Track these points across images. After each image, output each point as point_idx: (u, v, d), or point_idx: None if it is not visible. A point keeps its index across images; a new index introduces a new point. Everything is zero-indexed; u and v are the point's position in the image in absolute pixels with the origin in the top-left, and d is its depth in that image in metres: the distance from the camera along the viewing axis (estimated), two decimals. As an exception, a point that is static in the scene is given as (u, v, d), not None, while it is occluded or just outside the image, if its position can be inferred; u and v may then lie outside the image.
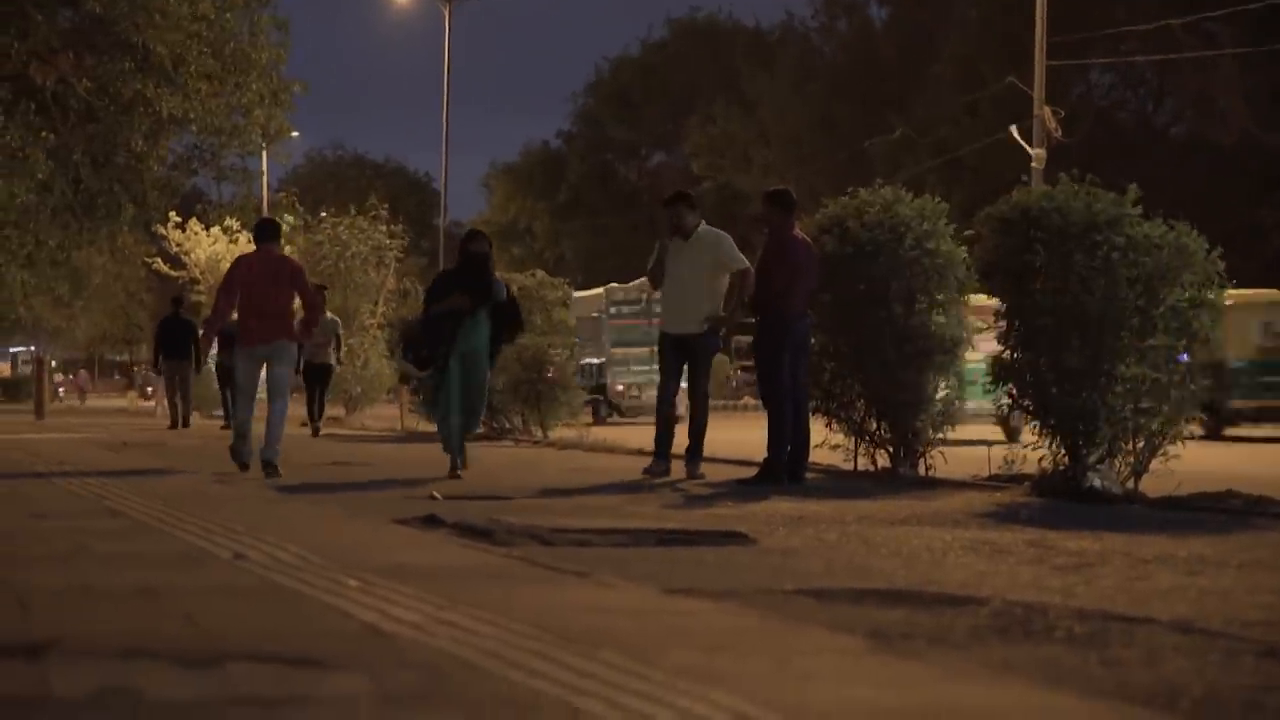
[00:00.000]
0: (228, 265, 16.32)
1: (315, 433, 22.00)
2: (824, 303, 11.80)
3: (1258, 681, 3.91)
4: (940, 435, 11.84)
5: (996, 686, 3.87)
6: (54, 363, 64.36)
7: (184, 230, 35.01)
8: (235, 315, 12.93)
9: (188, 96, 23.84)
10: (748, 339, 27.03)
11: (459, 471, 12.00)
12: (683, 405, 12.47)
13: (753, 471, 11.52)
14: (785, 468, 11.24)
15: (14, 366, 72.90)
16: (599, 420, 28.80)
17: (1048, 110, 32.28)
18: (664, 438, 12.04)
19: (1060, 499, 9.49)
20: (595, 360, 32.56)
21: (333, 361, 22.88)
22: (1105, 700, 3.67)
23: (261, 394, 12.88)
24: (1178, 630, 4.63)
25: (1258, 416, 21.98)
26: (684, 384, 12.27)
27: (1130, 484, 9.77)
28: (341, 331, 23.76)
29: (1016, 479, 10.27)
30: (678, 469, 11.88)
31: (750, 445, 12.74)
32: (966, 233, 11.32)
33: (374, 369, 28.01)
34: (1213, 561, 6.41)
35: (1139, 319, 9.76)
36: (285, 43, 25.73)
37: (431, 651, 4.19)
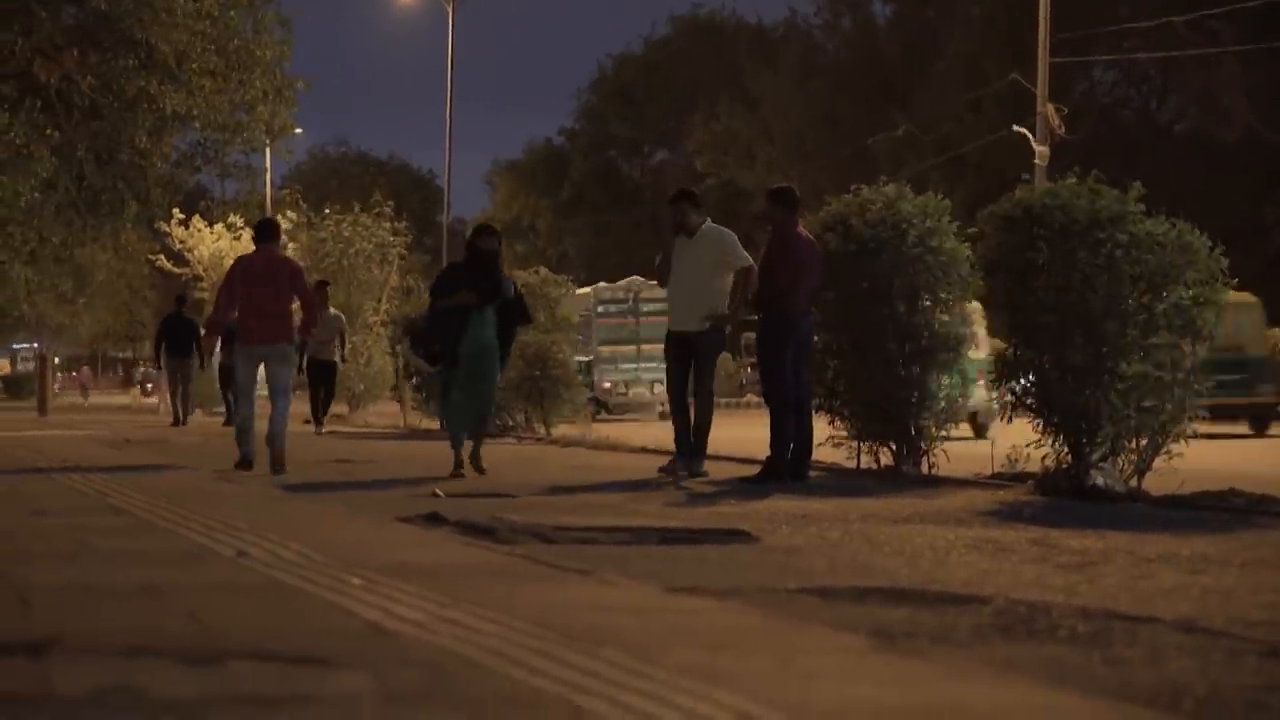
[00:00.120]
0: (230, 262, 16.34)
1: (319, 430, 21.99)
2: (827, 300, 11.79)
3: (1261, 681, 3.90)
4: (944, 433, 11.84)
5: (999, 685, 3.87)
6: (56, 359, 64.41)
7: (187, 227, 35.10)
8: (235, 314, 12.95)
9: (191, 93, 23.82)
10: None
11: (463, 471, 11.97)
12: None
13: (756, 469, 11.51)
14: (788, 466, 11.24)
15: (14, 364, 72.82)
16: None
17: (1051, 107, 32.29)
18: (684, 438, 11.93)
19: (1063, 497, 9.49)
20: (583, 358, 32.99)
21: (337, 359, 22.87)
22: (1108, 699, 3.66)
23: (263, 392, 12.89)
24: (1181, 629, 4.62)
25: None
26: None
27: (1133, 482, 9.76)
28: (346, 328, 23.75)
29: (1019, 477, 10.25)
30: (687, 467, 11.87)
31: (753, 443, 12.72)
32: (970, 230, 11.31)
33: (377, 366, 28.00)
34: (1216, 560, 6.41)
35: (1142, 316, 9.76)
36: (289, 39, 25.70)
37: (434, 650, 4.18)
